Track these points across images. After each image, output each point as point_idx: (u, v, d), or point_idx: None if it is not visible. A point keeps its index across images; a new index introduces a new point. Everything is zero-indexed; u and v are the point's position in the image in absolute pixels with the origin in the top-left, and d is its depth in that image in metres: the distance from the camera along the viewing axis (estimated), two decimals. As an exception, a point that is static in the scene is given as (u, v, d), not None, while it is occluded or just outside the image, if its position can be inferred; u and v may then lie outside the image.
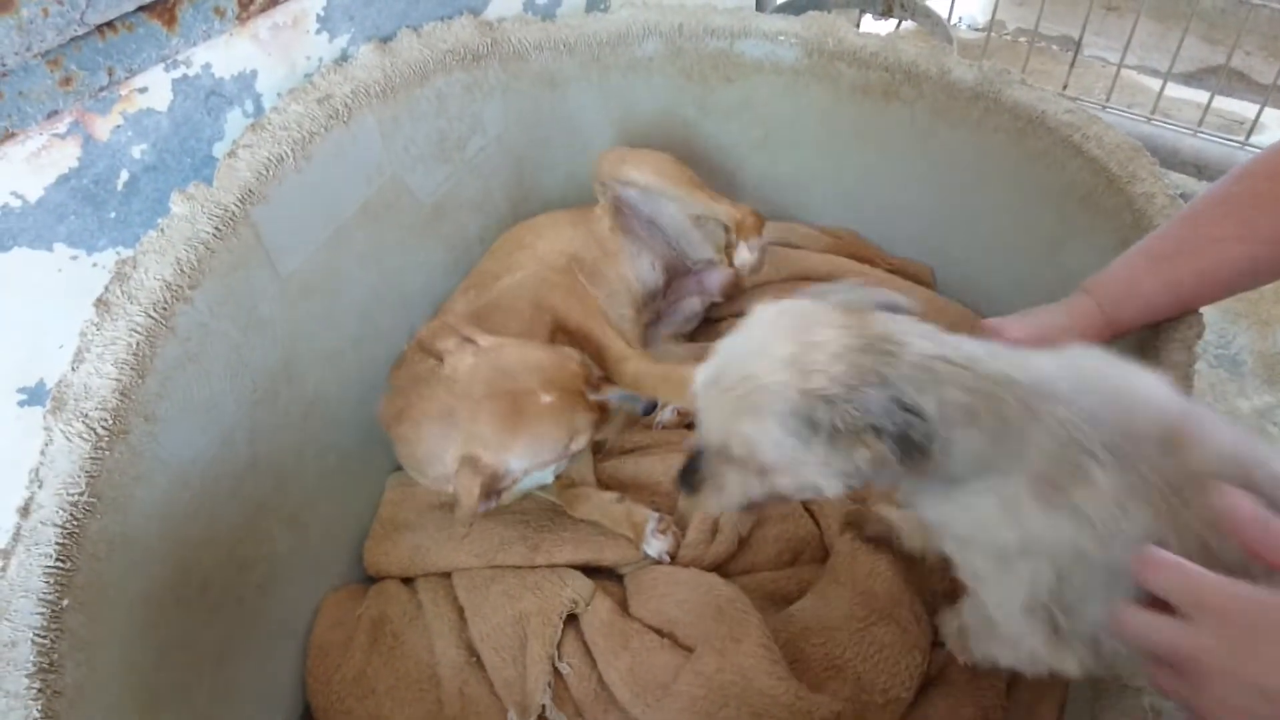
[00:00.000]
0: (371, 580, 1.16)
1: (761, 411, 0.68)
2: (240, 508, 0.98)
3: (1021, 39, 2.39)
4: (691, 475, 0.77)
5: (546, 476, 1.13)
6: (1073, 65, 1.91)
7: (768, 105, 1.46)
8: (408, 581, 1.14)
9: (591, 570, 1.11)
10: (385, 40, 1.13)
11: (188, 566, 0.91)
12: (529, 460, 1.00)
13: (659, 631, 1.02)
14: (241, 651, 0.98)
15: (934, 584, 1.04)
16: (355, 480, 1.17)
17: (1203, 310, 1.08)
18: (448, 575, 1.11)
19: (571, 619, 1.05)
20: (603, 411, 1.03)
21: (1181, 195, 1.86)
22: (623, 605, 1.06)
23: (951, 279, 1.50)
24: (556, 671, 1.01)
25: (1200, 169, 1.76)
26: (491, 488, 0.98)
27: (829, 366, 0.65)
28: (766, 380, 0.67)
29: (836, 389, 0.65)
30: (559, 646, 1.02)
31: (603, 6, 1.47)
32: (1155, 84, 1.88)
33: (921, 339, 0.68)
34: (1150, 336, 1.11)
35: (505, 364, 1.00)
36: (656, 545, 1.07)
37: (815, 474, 0.70)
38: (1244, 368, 1.52)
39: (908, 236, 1.50)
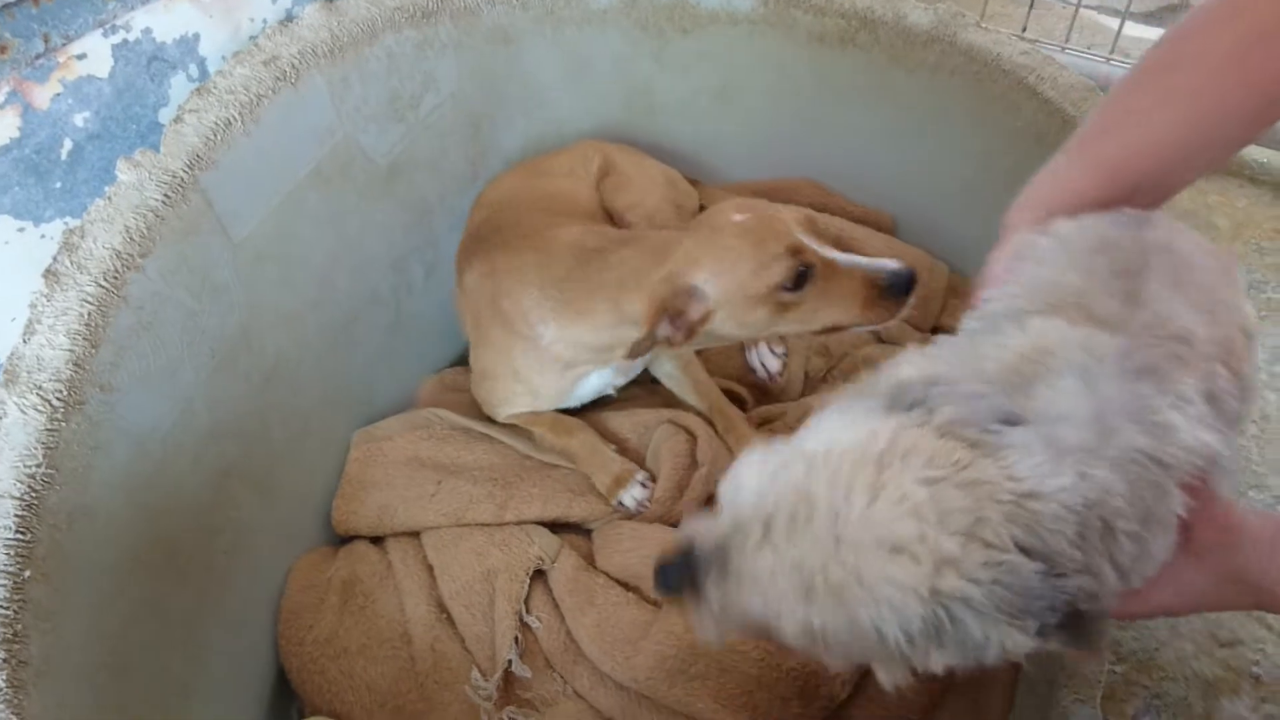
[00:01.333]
0: (342, 542, 1.17)
1: (858, 613, 0.50)
2: (204, 474, 0.98)
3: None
4: (676, 579, 0.58)
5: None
6: (1031, 6, 1.90)
7: (725, 56, 1.45)
8: (377, 542, 1.15)
9: (560, 526, 1.13)
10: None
11: (153, 534, 0.91)
12: (717, 279, 0.93)
13: (625, 585, 1.03)
14: (213, 616, 0.99)
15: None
16: (320, 443, 1.17)
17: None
18: (417, 535, 1.13)
19: (541, 575, 1.07)
20: (805, 261, 0.92)
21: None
22: (589, 560, 1.07)
23: (912, 224, 1.51)
24: (526, 626, 1.03)
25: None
26: (673, 305, 0.94)
27: (962, 553, 0.48)
28: (868, 574, 0.49)
29: (976, 585, 0.48)
30: (528, 602, 1.04)
31: (555, -41, 1.45)
32: (1115, 24, 1.88)
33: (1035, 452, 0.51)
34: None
35: (720, 204, 1.00)
36: (633, 495, 1.09)
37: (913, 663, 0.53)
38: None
39: (868, 183, 1.51)
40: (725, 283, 0.94)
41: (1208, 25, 0.77)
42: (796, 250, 0.92)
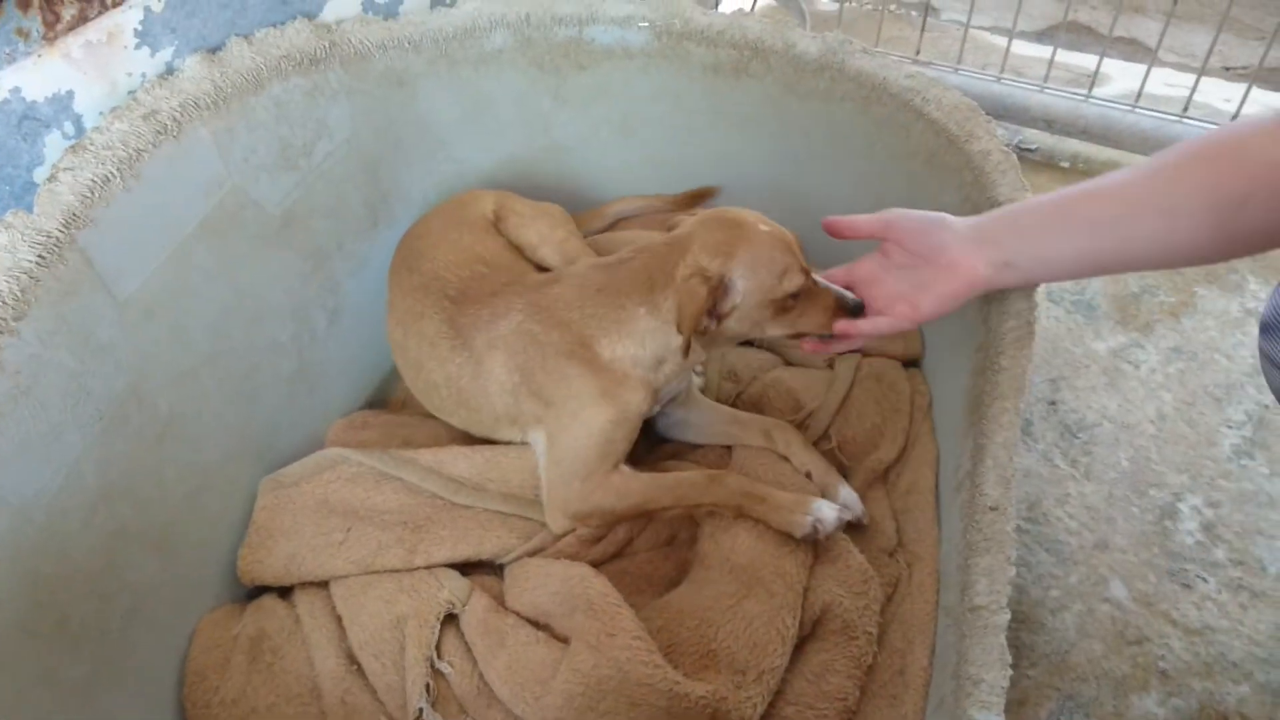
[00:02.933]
0: (249, 597, 1.15)
1: None
2: (95, 538, 0.96)
3: (880, 8, 2.44)
4: None
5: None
6: (923, 30, 1.97)
7: (623, 89, 1.47)
8: (285, 594, 1.13)
9: (472, 566, 1.12)
10: (214, 51, 1.10)
11: (40, 602, 0.89)
12: (749, 277, 1.04)
13: (535, 624, 1.03)
14: (113, 683, 0.96)
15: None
16: (223, 496, 1.15)
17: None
18: (325, 584, 1.11)
19: (453, 619, 1.06)
20: (808, 277, 1.07)
21: (1029, 149, 1.94)
22: (500, 601, 1.06)
23: (814, 247, 1.52)
24: (438, 673, 1.02)
25: (1049, 123, 1.83)
26: (717, 297, 1.03)
27: None
28: None
29: None
30: (439, 647, 1.03)
31: (448, 2, 1.46)
32: (1002, 44, 1.95)
33: None
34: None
35: (727, 208, 1.14)
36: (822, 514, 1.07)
37: None
38: (1098, 311, 1.59)
39: (769, 209, 1.52)
40: (755, 283, 1.05)
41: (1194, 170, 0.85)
42: (806, 270, 1.07)
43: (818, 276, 1.10)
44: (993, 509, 1.00)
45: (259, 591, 1.15)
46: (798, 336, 1.13)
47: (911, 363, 1.38)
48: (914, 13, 2.47)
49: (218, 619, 1.10)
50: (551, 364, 1.10)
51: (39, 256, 0.89)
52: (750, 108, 1.44)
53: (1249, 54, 2.28)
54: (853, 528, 1.15)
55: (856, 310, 1.10)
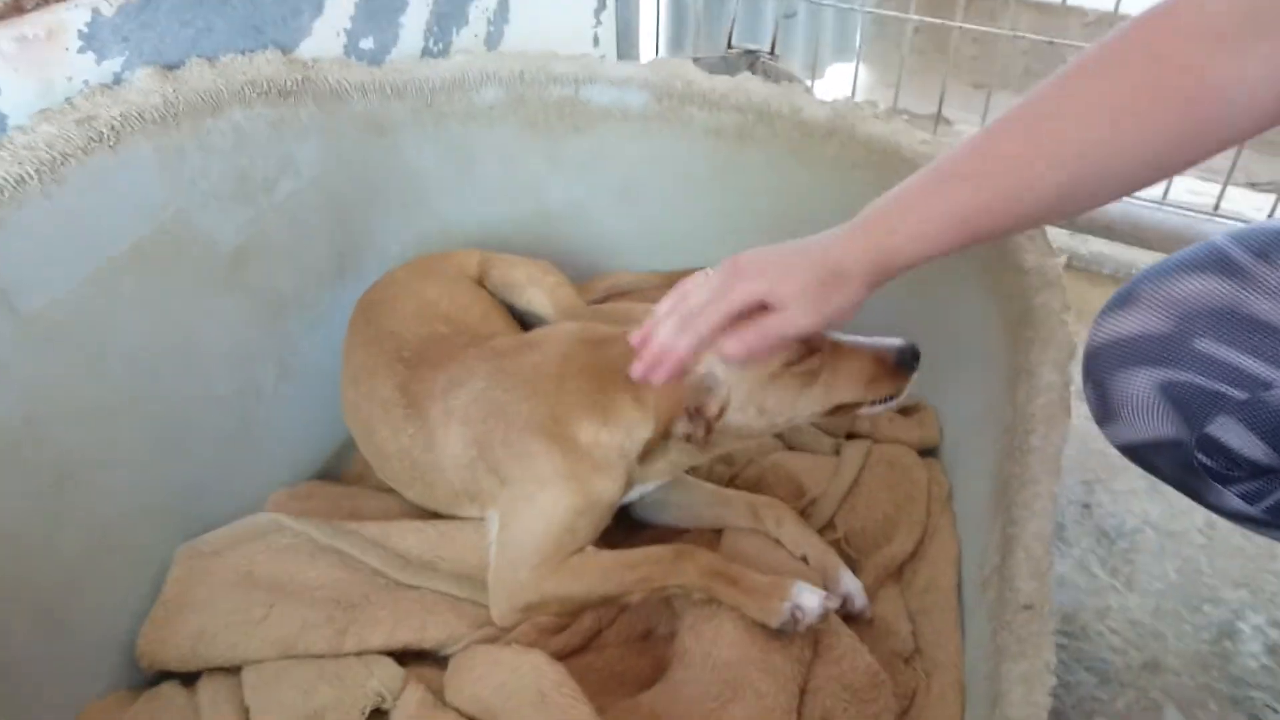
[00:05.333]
0: (149, 686, 0.97)
1: None
2: (-43, 593, 0.80)
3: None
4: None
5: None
6: (935, 133, 1.91)
7: (620, 154, 1.38)
8: (190, 683, 0.95)
9: (412, 656, 0.95)
10: (170, 68, 1.02)
11: None
12: (735, 367, 0.89)
13: (477, 721, 0.85)
14: (-47, 776, 0.79)
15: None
16: (130, 563, 0.99)
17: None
18: (237, 672, 0.94)
19: (383, 715, 0.89)
20: (807, 342, 0.91)
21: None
22: (439, 693, 0.89)
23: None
24: (357, 777, 0.84)
25: (1070, 221, 1.74)
26: (689, 397, 0.89)
27: None
28: None
29: None
30: (362, 745, 0.85)
31: (436, 53, 1.40)
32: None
33: None
34: (1020, 358, 1.04)
35: None
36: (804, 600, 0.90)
37: None
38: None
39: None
40: (740, 365, 0.89)
41: (1100, 69, 0.70)
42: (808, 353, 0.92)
43: (844, 336, 0.95)
44: (1027, 607, 0.85)
45: (160, 680, 0.97)
46: (842, 412, 0.96)
47: (927, 452, 1.24)
48: (931, 124, 2.43)
49: (105, 707, 0.92)
50: (515, 438, 0.96)
51: (-76, 251, 0.77)
52: (755, 174, 1.35)
53: (1273, 169, 2.21)
54: (859, 627, 0.98)
55: (909, 358, 0.94)
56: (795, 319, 0.79)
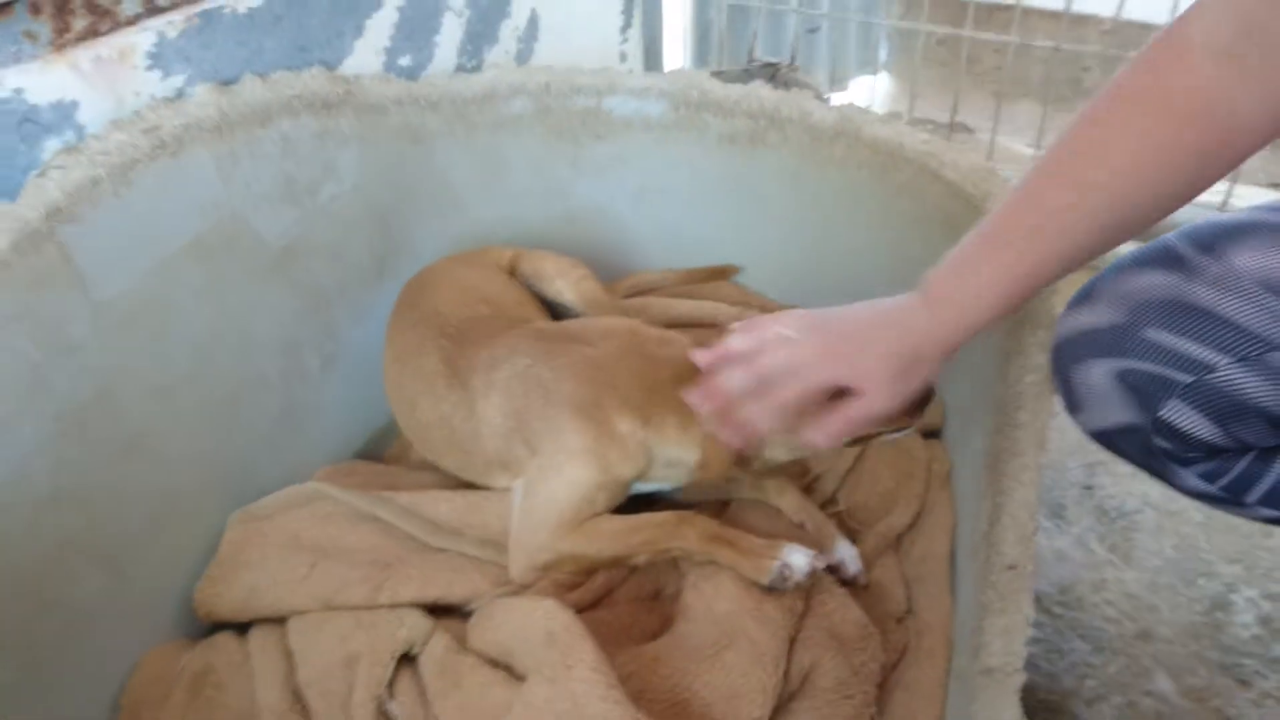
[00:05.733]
0: (206, 635, 1.07)
1: None
2: (38, 544, 0.91)
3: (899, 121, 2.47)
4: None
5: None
6: (949, 139, 1.97)
7: (640, 160, 1.47)
8: (243, 634, 1.05)
9: (441, 610, 1.04)
10: (226, 84, 1.13)
11: (-36, 597, 0.83)
12: None
13: (496, 664, 0.94)
14: (35, 704, 0.89)
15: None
16: (188, 525, 1.09)
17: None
18: (283, 622, 1.03)
19: (411, 660, 0.97)
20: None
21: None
22: (463, 641, 0.98)
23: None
24: (387, 714, 0.92)
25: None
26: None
27: None
28: None
29: None
30: (392, 687, 0.94)
31: (469, 68, 1.50)
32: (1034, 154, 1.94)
33: None
34: (1011, 340, 1.10)
35: None
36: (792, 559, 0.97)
37: None
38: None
39: (785, 281, 1.50)
40: None
41: (1116, 104, 0.75)
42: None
43: None
44: (1010, 567, 0.91)
45: (215, 629, 1.07)
46: (860, 442, 1.02)
47: (932, 434, 1.30)
48: (955, 133, 2.49)
49: (165, 652, 1.02)
50: (554, 413, 1.04)
51: (13, 242, 0.88)
52: (767, 177, 1.43)
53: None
54: (856, 592, 1.05)
55: (922, 398, 0.97)
56: (877, 404, 0.84)
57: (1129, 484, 1.34)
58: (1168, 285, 0.83)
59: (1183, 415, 0.83)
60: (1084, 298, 0.89)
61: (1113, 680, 1.10)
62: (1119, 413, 0.87)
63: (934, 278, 0.84)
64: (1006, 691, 0.81)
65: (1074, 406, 0.92)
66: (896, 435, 1.03)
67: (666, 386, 1.01)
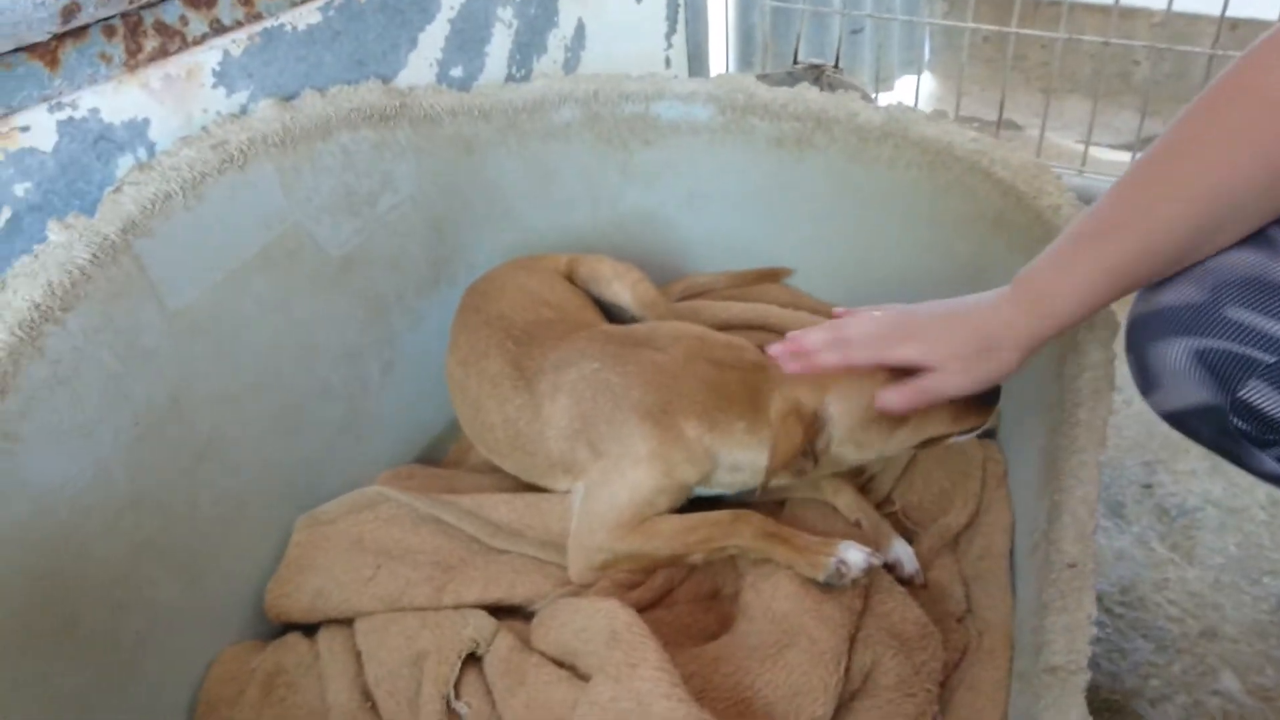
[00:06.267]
0: (275, 637, 1.10)
1: None
2: (118, 546, 0.94)
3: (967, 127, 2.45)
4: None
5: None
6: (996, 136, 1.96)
7: (689, 165, 1.49)
8: (310, 634, 1.08)
9: (504, 611, 1.06)
10: (287, 99, 1.16)
11: (49, 598, 0.86)
12: (840, 404, 0.99)
13: (559, 663, 0.95)
14: (116, 702, 0.92)
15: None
16: (257, 528, 1.12)
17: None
18: (350, 623, 1.06)
19: (477, 660, 0.99)
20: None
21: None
22: (527, 641, 1.00)
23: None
24: (454, 712, 0.94)
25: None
26: (812, 436, 0.98)
27: None
28: None
29: None
30: (458, 686, 0.96)
31: (519, 77, 1.52)
32: (1092, 152, 1.92)
33: None
34: (1067, 338, 1.09)
35: None
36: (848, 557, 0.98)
37: None
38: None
39: (835, 282, 1.50)
40: (851, 406, 0.99)
41: (1214, 105, 0.77)
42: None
43: None
44: (1071, 565, 0.91)
45: (286, 632, 1.10)
46: (930, 444, 1.05)
47: (986, 434, 1.29)
48: (1002, 130, 2.47)
49: (238, 652, 1.05)
50: (621, 417, 1.05)
51: (93, 255, 0.92)
52: (815, 179, 1.43)
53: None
54: (913, 591, 1.05)
55: (990, 395, 1.00)
56: (951, 381, 0.89)
57: (1189, 482, 1.33)
58: (1253, 263, 0.82)
59: (1263, 396, 0.82)
60: None
61: (1177, 680, 1.09)
62: (1196, 393, 0.86)
63: (1025, 274, 0.87)
64: (1072, 690, 0.81)
65: (1148, 386, 0.91)
66: (964, 437, 1.04)
67: (734, 392, 1.03)
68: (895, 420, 0.99)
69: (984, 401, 1.01)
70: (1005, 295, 0.88)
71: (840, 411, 0.99)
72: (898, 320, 0.92)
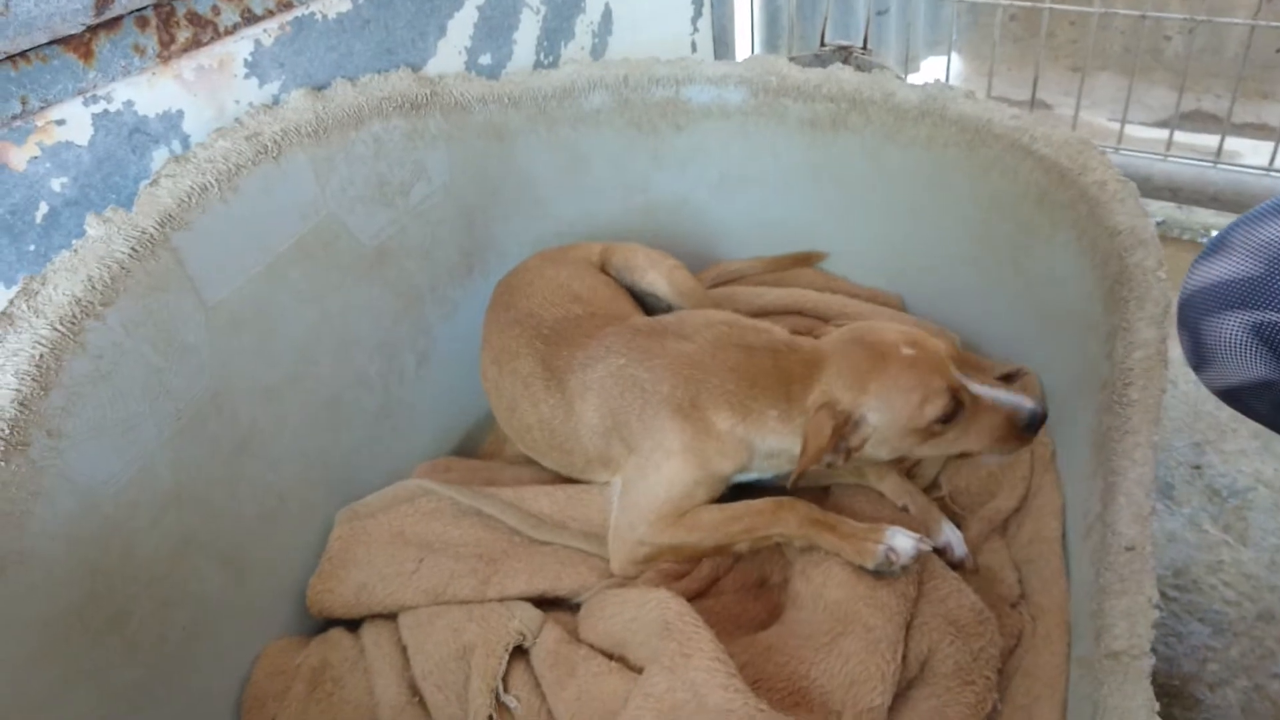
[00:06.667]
0: (318, 632, 1.09)
1: None
2: (163, 540, 0.94)
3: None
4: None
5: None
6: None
7: (720, 149, 1.47)
8: (354, 629, 1.07)
9: (548, 603, 1.05)
10: (319, 88, 1.15)
11: (99, 594, 0.86)
12: (883, 410, 0.97)
13: (609, 655, 0.94)
14: (165, 696, 0.92)
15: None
16: (298, 522, 1.12)
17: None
18: (394, 617, 1.05)
19: (523, 652, 0.98)
20: (958, 397, 0.97)
21: (1156, 222, 1.84)
22: (574, 633, 0.98)
23: (919, 299, 1.46)
24: (503, 705, 0.93)
25: (1174, 191, 1.74)
26: (844, 433, 0.97)
27: None
28: None
29: None
30: (507, 680, 0.95)
31: (547, 64, 1.51)
32: (1127, 130, 1.88)
33: None
34: (1116, 317, 1.07)
35: (873, 325, 1.03)
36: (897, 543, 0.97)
37: None
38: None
39: (872, 262, 1.48)
40: (890, 415, 0.98)
41: None
42: (955, 389, 0.97)
43: (982, 389, 1.00)
44: (1129, 549, 0.89)
45: (328, 626, 1.09)
46: (963, 456, 1.04)
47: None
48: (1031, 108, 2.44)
49: (283, 647, 1.05)
50: (651, 412, 1.04)
51: (132, 249, 0.91)
52: (850, 160, 1.41)
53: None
54: (965, 576, 1.03)
55: (1035, 423, 1.00)
56: None
57: (1239, 462, 1.30)
58: None
59: None
60: (1215, 248, 0.86)
61: (1236, 663, 1.06)
62: (1252, 368, 0.84)
63: None
64: (1136, 676, 0.79)
65: (1200, 362, 0.89)
66: (997, 459, 1.04)
67: (766, 377, 1.01)
68: (933, 431, 0.98)
69: (1026, 430, 1.00)
70: None
71: (878, 417, 0.98)
72: None
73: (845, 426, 0.97)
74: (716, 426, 1.02)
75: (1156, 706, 0.74)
